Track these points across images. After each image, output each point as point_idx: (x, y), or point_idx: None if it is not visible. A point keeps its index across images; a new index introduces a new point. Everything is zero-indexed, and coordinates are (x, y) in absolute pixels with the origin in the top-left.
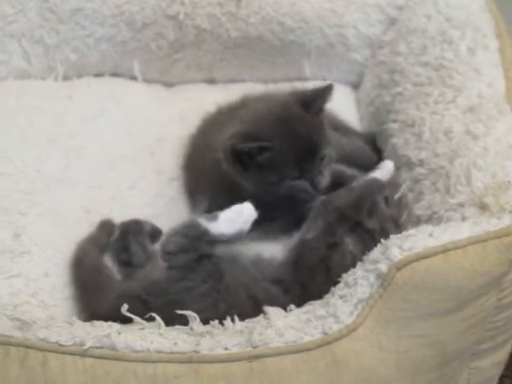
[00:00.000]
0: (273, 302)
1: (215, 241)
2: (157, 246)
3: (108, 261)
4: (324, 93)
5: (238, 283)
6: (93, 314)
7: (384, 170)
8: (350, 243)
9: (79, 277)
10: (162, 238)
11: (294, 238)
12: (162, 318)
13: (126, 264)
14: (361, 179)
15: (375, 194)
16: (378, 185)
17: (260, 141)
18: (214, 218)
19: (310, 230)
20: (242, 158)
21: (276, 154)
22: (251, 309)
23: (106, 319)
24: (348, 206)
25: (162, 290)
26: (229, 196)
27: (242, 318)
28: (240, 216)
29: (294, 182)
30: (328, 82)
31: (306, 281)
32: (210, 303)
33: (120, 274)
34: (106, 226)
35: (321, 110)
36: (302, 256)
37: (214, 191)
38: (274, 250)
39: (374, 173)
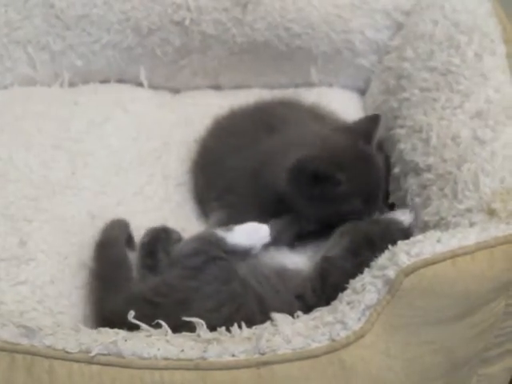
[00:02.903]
0: None
1: (229, 250)
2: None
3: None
4: (376, 124)
5: (253, 293)
6: (103, 310)
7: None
8: None
9: (99, 267)
10: (180, 243)
11: (319, 254)
12: (169, 325)
13: (151, 269)
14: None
15: (396, 235)
16: (400, 227)
17: (337, 170)
18: (230, 229)
19: (333, 248)
20: (312, 183)
21: (348, 188)
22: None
23: (113, 319)
24: (375, 233)
25: (170, 289)
26: (263, 212)
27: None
28: (256, 233)
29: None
30: (375, 114)
31: (332, 297)
32: (214, 305)
33: (142, 277)
34: (119, 225)
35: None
36: (328, 273)
37: (244, 203)
38: (299, 261)
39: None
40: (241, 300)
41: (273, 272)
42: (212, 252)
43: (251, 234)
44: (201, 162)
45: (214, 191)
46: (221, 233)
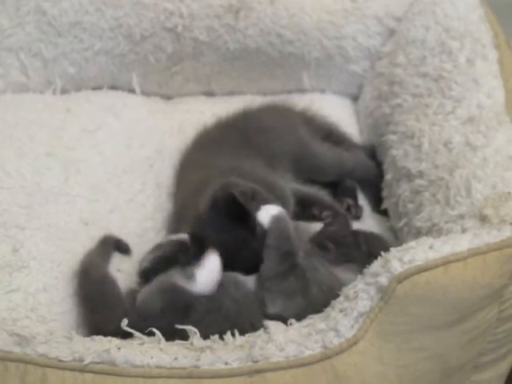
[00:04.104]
0: None
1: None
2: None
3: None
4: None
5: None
6: (98, 330)
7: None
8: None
9: (84, 290)
10: (140, 297)
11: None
12: (163, 334)
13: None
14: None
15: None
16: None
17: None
18: (190, 277)
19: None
20: None
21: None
22: None
23: (112, 335)
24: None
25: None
26: None
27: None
28: (216, 271)
29: None
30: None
31: None
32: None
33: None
34: (108, 242)
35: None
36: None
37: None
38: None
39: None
40: (230, 321)
41: (249, 294)
42: (179, 304)
43: (212, 274)
44: (179, 172)
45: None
46: (182, 282)
